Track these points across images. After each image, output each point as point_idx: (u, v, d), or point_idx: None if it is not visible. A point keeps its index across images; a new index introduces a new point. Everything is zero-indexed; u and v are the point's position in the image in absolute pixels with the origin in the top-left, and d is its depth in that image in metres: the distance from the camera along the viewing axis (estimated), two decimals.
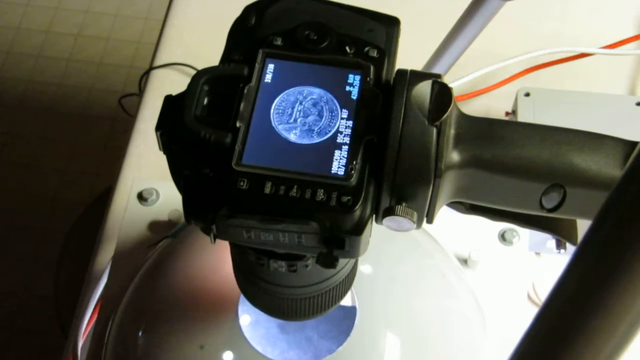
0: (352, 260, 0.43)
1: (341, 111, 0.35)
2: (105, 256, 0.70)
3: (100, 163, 1.63)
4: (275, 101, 0.36)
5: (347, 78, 0.36)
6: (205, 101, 0.35)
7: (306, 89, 0.36)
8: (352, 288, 0.45)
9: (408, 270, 0.58)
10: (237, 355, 0.51)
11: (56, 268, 1.41)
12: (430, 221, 0.36)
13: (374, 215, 0.35)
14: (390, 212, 0.35)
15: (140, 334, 0.57)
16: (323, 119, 0.35)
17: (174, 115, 0.35)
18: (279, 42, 0.37)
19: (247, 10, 0.38)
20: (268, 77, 0.36)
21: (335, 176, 0.34)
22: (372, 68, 0.36)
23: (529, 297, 0.66)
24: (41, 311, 1.44)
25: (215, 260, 0.56)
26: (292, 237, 0.34)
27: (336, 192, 0.33)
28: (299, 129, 0.35)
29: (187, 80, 0.36)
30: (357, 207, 0.33)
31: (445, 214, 0.40)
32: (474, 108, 0.80)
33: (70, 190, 1.60)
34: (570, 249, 0.67)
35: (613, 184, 0.26)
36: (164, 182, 0.68)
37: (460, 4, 0.66)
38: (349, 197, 0.33)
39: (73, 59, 1.78)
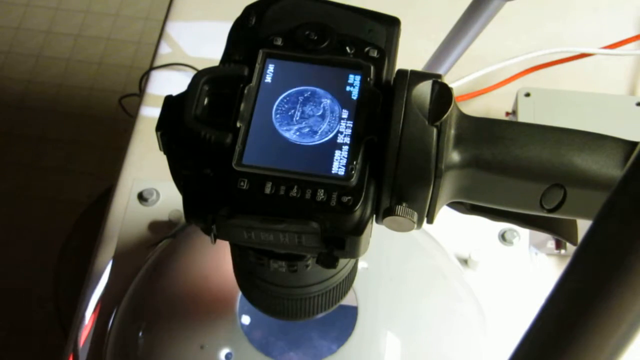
0: (353, 260, 0.43)
1: (341, 111, 0.35)
2: (105, 256, 0.70)
3: (100, 163, 1.63)
4: (276, 101, 0.36)
5: (347, 78, 0.36)
6: (206, 101, 0.35)
7: (306, 89, 0.36)
8: (353, 288, 0.45)
9: (408, 270, 0.58)
10: (237, 356, 0.51)
11: (56, 268, 1.41)
12: (430, 221, 0.36)
13: (374, 216, 0.35)
14: (390, 212, 0.35)
15: (140, 334, 0.57)
16: (323, 120, 0.35)
17: (174, 116, 0.35)
18: (279, 42, 0.37)
19: (248, 10, 0.38)
20: (268, 78, 0.36)
21: (336, 176, 0.34)
22: (372, 68, 0.36)
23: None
24: (41, 311, 1.44)
25: (215, 260, 0.56)
26: (292, 237, 0.34)
27: (336, 192, 0.33)
28: (299, 129, 0.35)
29: (187, 80, 0.36)
30: (357, 207, 0.33)
31: (445, 214, 0.40)
32: (474, 108, 0.80)
33: (70, 190, 1.60)
34: (571, 249, 0.67)
35: (613, 184, 0.26)
36: (164, 182, 0.68)
37: (461, 4, 0.66)
38: (349, 198, 0.33)
39: (73, 59, 1.78)
